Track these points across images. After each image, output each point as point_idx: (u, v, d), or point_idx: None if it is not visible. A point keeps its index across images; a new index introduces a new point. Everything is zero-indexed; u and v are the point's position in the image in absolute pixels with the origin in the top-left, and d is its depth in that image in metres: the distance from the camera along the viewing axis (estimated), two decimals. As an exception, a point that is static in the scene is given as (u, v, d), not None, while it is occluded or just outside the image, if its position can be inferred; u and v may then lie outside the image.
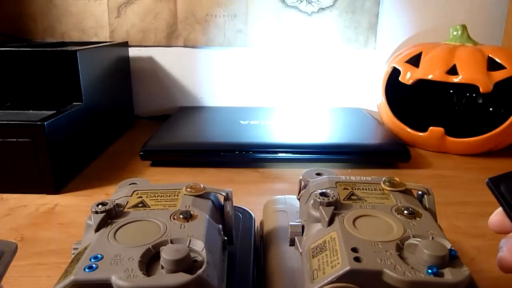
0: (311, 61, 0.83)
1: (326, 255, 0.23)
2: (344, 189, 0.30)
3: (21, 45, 0.62)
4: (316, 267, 0.23)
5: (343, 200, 0.28)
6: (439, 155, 0.65)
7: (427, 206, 0.29)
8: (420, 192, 0.30)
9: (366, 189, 0.30)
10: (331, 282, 0.21)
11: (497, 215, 0.27)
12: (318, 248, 0.24)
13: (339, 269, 0.21)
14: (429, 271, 0.21)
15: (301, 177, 0.33)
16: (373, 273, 0.21)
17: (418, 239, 0.23)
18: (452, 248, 0.22)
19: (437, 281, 0.20)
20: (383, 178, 0.31)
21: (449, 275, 0.21)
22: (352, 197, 0.29)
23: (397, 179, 0.30)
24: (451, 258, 0.22)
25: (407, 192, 0.30)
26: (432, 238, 0.24)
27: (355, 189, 0.30)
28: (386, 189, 0.30)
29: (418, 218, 0.26)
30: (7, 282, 0.33)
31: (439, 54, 0.65)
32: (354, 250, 0.22)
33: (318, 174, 0.34)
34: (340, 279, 0.21)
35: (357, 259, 0.21)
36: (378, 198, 0.29)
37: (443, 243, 0.23)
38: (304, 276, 0.24)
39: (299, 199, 0.33)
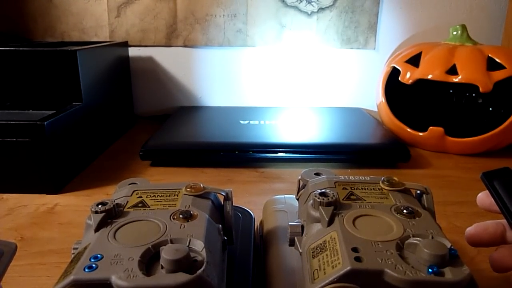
0: (310, 61, 0.83)
1: (327, 255, 0.23)
2: (343, 189, 0.30)
3: (21, 45, 0.62)
4: (316, 267, 0.23)
5: (343, 200, 0.28)
6: (438, 155, 0.65)
7: (426, 205, 0.29)
8: (418, 192, 0.30)
9: (365, 189, 0.30)
10: (332, 282, 0.21)
11: (484, 193, 0.30)
12: (318, 248, 0.24)
13: (340, 269, 0.21)
14: (430, 270, 0.21)
15: (299, 177, 0.33)
16: (374, 272, 0.21)
17: (418, 239, 0.23)
18: (452, 247, 0.22)
19: (438, 280, 0.20)
20: (382, 178, 0.31)
21: (449, 274, 0.21)
22: (352, 197, 0.29)
23: (395, 178, 0.30)
24: (451, 257, 0.22)
25: (406, 191, 0.30)
26: (432, 237, 0.24)
27: (354, 188, 0.30)
28: (385, 189, 0.30)
29: (417, 218, 0.26)
30: (7, 282, 0.33)
31: (439, 54, 0.65)
32: (355, 250, 0.22)
33: (316, 174, 0.34)
34: (341, 279, 0.21)
35: (357, 259, 0.21)
36: (377, 198, 0.29)
37: (443, 242, 0.23)
38: (304, 276, 0.24)
39: (298, 199, 0.33)
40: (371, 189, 0.30)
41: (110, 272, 0.21)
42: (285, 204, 0.39)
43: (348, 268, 0.21)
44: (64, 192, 0.50)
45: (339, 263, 0.22)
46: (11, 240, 0.27)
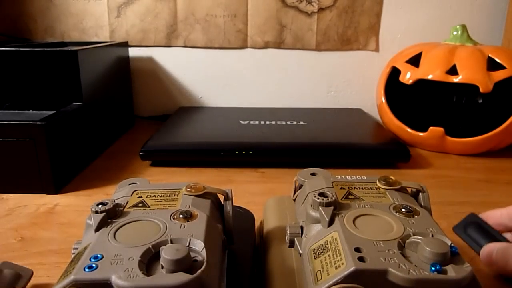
0: (311, 61, 0.83)
1: (329, 255, 0.23)
2: (340, 188, 0.30)
3: (21, 45, 0.62)
4: (319, 268, 0.23)
5: (341, 200, 0.28)
6: (439, 155, 0.65)
7: (422, 203, 0.29)
8: (414, 190, 0.30)
9: (362, 188, 0.30)
10: (337, 283, 0.21)
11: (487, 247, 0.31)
12: (319, 249, 0.24)
13: (344, 269, 0.21)
14: (433, 268, 0.21)
15: (296, 178, 0.33)
16: (378, 272, 0.21)
17: (419, 237, 0.23)
18: (452, 244, 0.22)
19: (441, 278, 0.20)
20: (379, 177, 0.31)
21: (452, 272, 0.21)
22: (350, 196, 0.29)
23: (392, 177, 0.31)
24: (452, 255, 0.22)
25: (402, 190, 0.30)
26: (432, 236, 0.24)
27: (352, 188, 0.30)
28: (382, 188, 0.30)
29: (416, 216, 0.26)
30: (6, 282, 0.33)
31: (439, 54, 0.65)
32: (357, 250, 0.22)
33: (312, 174, 0.34)
34: (345, 279, 0.21)
35: (361, 259, 0.21)
36: (375, 197, 0.29)
37: (443, 240, 0.23)
38: (306, 277, 0.24)
39: (294, 200, 0.33)
40: (368, 189, 0.30)
41: (110, 272, 0.21)
42: (285, 204, 0.39)
43: (353, 268, 0.21)
44: (64, 192, 0.50)
45: (342, 263, 0.22)
46: (27, 267, 0.30)
